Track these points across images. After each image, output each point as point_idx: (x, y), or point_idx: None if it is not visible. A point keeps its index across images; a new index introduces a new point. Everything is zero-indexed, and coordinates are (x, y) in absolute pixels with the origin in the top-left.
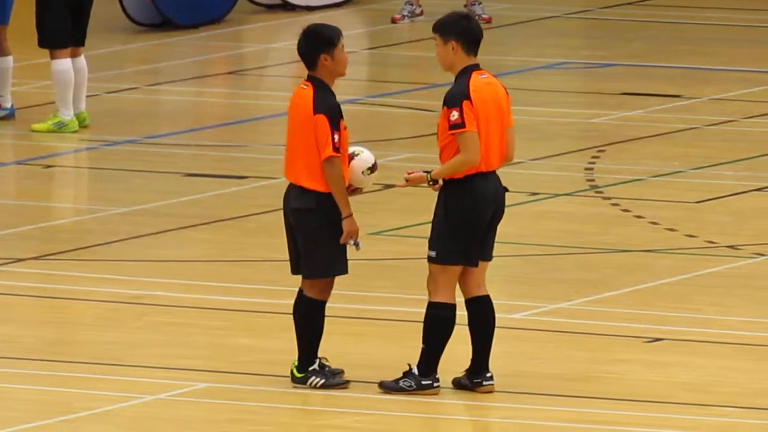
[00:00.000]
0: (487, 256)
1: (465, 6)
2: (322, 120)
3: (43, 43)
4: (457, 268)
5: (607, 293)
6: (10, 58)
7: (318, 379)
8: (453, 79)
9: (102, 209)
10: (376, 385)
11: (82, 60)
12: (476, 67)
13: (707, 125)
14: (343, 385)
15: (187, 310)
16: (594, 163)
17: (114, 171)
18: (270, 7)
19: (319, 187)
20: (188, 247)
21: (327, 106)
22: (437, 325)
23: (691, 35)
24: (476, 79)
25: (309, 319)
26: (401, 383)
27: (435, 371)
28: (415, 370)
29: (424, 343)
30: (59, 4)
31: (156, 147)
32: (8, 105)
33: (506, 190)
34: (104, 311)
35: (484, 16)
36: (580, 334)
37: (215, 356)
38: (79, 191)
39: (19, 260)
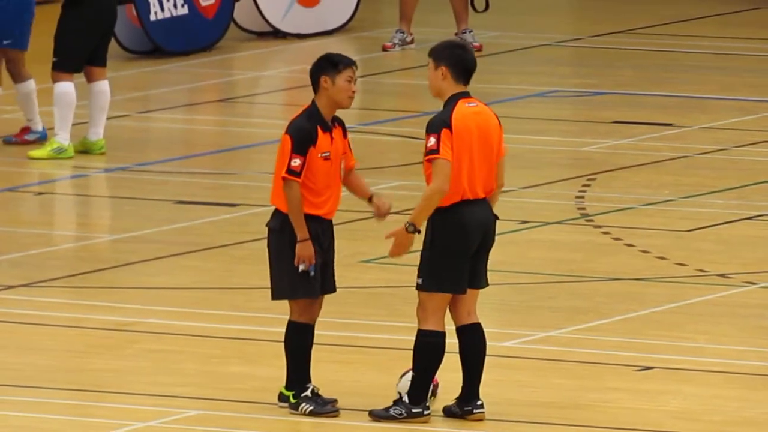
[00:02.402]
0: (478, 284)
1: (456, 34)
2: (286, 140)
3: (59, 66)
4: (446, 296)
5: (598, 321)
6: (32, 82)
7: (308, 405)
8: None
9: (93, 236)
10: (366, 413)
11: (106, 83)
12: (465, 95)
13: (698, 153)
14: (333, 413)
15: (179, 338)
16: (585, 191)
17: (105, 198)
18: (261, 35)
19: (280, 206)
20: (179, 275)
21: (296, 127)
22: (427, 352)
23: (682, 64)
24: (462, 108)
25: (290, 342)
26: (391, 411)
27: (425, 399)
28: (406, 398)
29: (414, 370)
30: (85, 30)
31: (147, 174)
32: (39, 128)
33: (496, 217)
34: (95, 338)
35: (475, 43)
36: (570, 363)
37: (207, 383)
38: (70, 218)
39: (10, 287)
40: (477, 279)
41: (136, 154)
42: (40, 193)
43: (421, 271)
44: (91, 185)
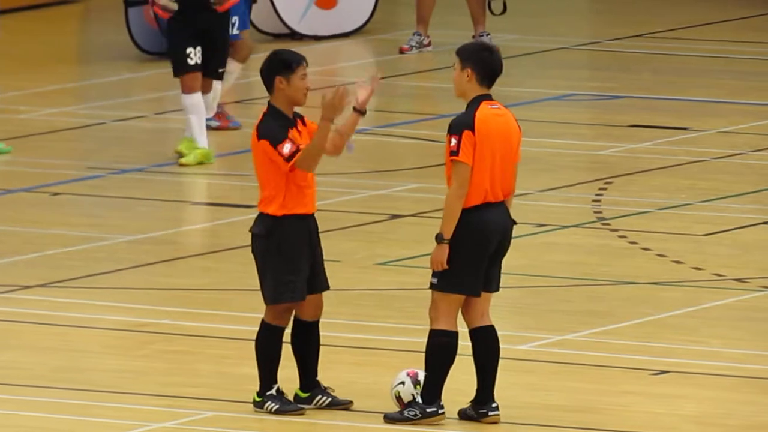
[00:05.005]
0: (492, 288)
1: (473, 36)
2: (264, 144)
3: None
4: (459, 297)
5: (614, 325)
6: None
7: (273, 404)
8: (460, 111)
9: (108, 237)
10: (381, 415)
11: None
12: (487, 97)
13: (714, 158)
14: (299, 412)
15: (193, 339)
16: (601, 194)
17: (121, 199)
18: (277, 36)
19: (267, 210)
20: (194, 276)
21: (266, 128)
22: (439, 352)
23: (699, 68)
24: (484, 109)
25: (263, 344)
26: (406, 413)
27: (439, 398)
28: (419, 399)
29: (426, 371)
30: (180, 32)
31: (163, 175)
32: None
33: (514, 222)
34: (110, 339)
35: None
36: (585, 366)
37: (221, 385)
38: (86, 219)
39: (26, 287)
40: (491, 282)
41: (153, 155)
42: (56, 194)
43: (437, 271)
44: (107, 186)
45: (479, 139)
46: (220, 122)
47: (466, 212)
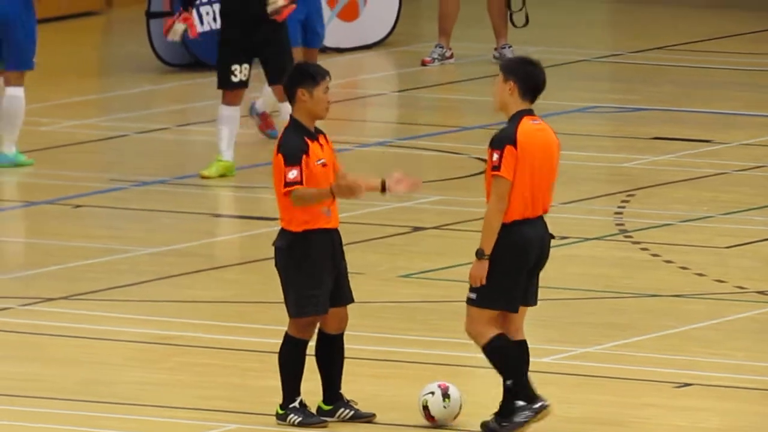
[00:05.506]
0: (530, 302)
1: (495, 49)
2: (279, 159)
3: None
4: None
5: (636, 338)
6: None
7: (296, 417)
8: (483, 123)
9: (131, 249)
10: (403, 428)
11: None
12: (529, 112)
13: (737, 170)
14: (321, 424)
15: (217, 351)
16: (623, 207)
17: (143, 211)
18: None
19: (289, 227)
20: (217, 288)
21: (284, 143)
22: (503, 357)
23: (722, 80)
24: (526, 125)
25: (287, 357)
26: (516, 418)
27: (533, 392)
28: (522, 402)
29: (506, 380)
30: (228, 48)
31: (185, 187)
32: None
33: (552, 236)
34: (133, 351)
35: None
36: (608, 379)
37: (245, 397)
38: (108, 231)
39: (48, 300)
40: (528, 297)
41: (175, 167)
42: (79, 206)
43: (476, 287)
44: (130, 198)
45: (521, 155)
46: (261, 122)
47: (504, 227)
